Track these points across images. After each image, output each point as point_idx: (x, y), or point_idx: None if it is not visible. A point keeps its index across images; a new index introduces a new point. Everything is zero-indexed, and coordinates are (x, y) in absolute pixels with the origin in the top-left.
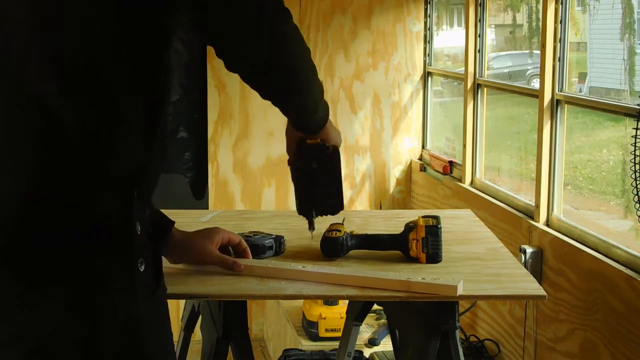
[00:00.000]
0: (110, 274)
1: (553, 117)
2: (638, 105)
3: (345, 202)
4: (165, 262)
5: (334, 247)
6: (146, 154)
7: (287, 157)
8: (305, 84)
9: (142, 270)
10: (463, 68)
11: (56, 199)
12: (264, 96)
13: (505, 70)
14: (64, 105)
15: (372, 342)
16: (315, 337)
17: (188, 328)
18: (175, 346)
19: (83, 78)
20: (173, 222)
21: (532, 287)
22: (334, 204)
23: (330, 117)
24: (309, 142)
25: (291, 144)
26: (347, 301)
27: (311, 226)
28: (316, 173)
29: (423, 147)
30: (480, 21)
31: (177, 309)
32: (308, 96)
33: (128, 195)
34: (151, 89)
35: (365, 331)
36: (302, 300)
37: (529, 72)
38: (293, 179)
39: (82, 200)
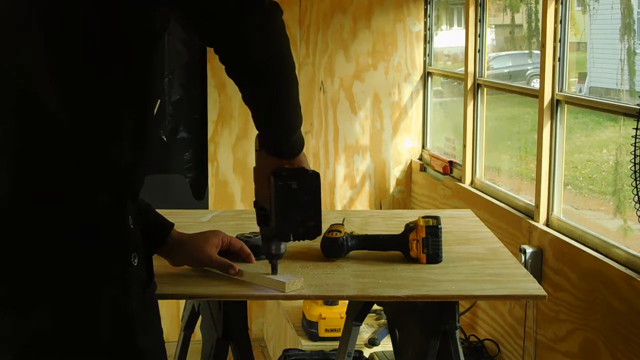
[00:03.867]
0: (104, 268)
1: (553, 117)
2: (638, 105)
3: (344, 202)
4: (166, 263)
5: (334, 247)
6: (136, 152)
7: None
8: (291, 92)
9: (135, 264)
10: (463, 68)
11: (49, 194)
12: (249, 98)
13: (505, 70)
14: (56, 103)
15: (372, 342)
16: (315, 337)
17: (188, 328)
18: (176, 346)
19: (73, 75)
20: (172, 225)
21: (532, 287)
22: (313, 227)
23: (330, 117)
24: (287, 166)
25: (261, 176)
26: (347, 301)
27: (274, 270)
28: (296, 194)
29: (423, 147)
30: (480, 21)
31: (177, 309)
32: (292, 108)
33: (121, 190)
34: (140, 89)
35: (365, 331)
36: (302, 300)
37: (529, 72)
38: (274, 200)
39: (75, 195)
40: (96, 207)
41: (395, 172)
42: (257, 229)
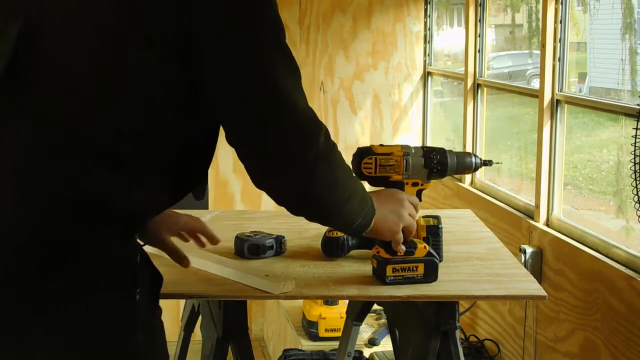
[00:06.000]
0: (112, 305)
1: (553, 117)
2: (638, 105)
3: None
4: (165, 262)
5: (334, 246)
6: (159, 200)
7: None
8: (335, 210)
9: (138, 298)
10: (463, 68)
11: (62, 233)
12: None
13: (505, 70)
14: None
15: (372, 342)
16: (315, 337)
17: (188, 328)
18: (176, 346)
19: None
20: None
21: (532, 287)
22: None
23: (330, 117)
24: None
25: None
26: (347, 301)
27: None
28: None
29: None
30: (480, 21)
31: (177, 309)
32: (340, 218)
33: (131, 230)
34: (162, 138)
35: (365, 331)
36: (302, 300)
37: (529, 72)
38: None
39: (87, 234)
40: (102, 244)
41: None
42: (256, 228)
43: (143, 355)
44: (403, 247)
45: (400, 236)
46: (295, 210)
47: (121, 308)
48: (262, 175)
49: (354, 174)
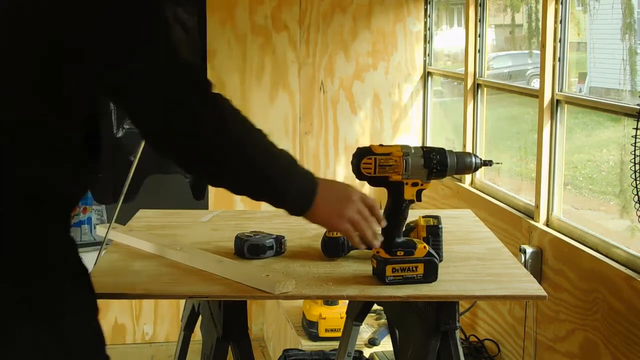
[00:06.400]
0: (75, 293)
1: (553, 117)
2: (638, 105)
3: None
4: (165, 262)
5: (334, 247)
6: (81, 182)
7: None
8: (261, 167)
9: (89, 284)
10: (463, 68)
11: (30, 229)
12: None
13: (505, 70)
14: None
15: (372, 342)
16: (315, 337)
17: (188, 328)
18: (176, 346)
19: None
20: None
21: (532, 287)
22: None
23: (330, 117)
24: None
25: None
26: (347, 301)
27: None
28: None
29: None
30: (480, 21)
31: (177, 309)
32: (270, 179)
33: (68, 218)
34: (82, 118)
35: (365, 331)
36: (302, 300)
37: (529, 72)
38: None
39: (23, 222)
40: (65, 241)
41: None
42: (256, 228)
43: (101, 343)
44: (375, 243)
45: (348, 227)
46: (199, 162)
47: (83, 296)
48: (157, 128)
49: (355, 173)
